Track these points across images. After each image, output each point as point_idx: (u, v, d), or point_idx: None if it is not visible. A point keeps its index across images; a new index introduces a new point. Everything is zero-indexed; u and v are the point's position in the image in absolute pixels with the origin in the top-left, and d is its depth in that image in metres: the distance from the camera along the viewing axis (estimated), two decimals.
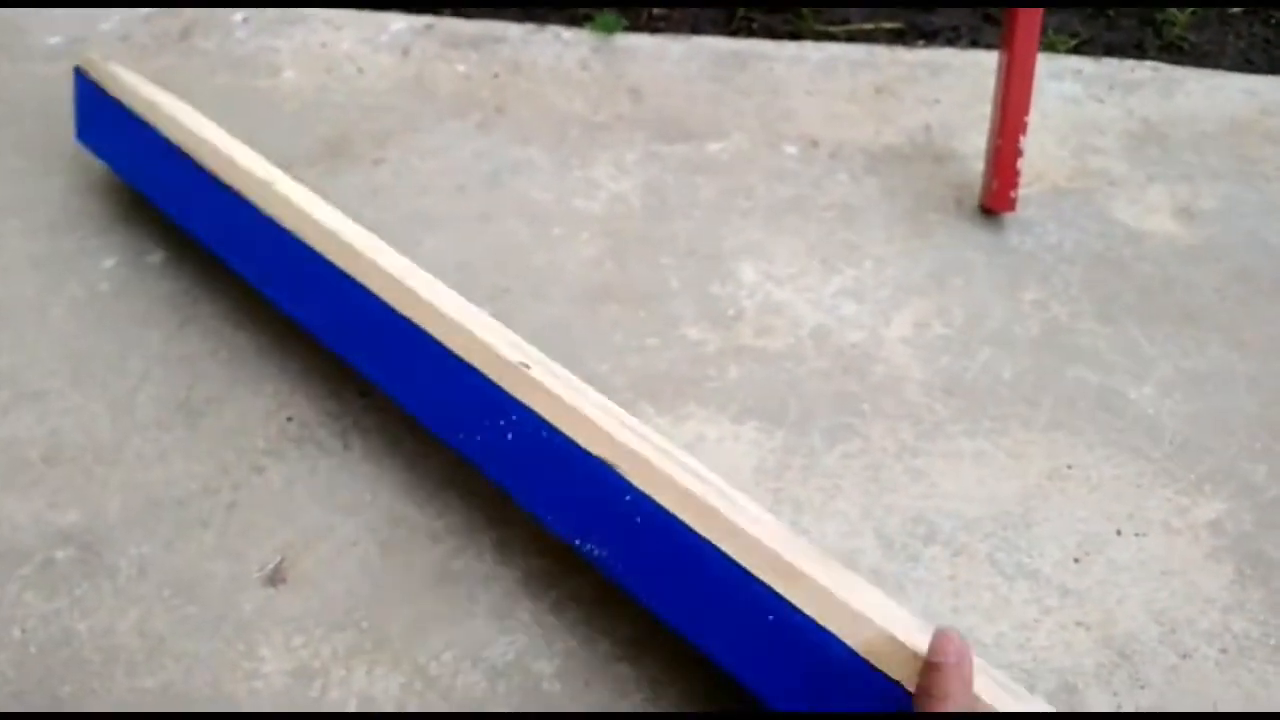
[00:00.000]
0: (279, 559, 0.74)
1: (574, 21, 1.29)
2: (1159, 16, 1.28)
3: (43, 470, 0.79)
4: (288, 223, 0.81)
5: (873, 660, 0.53)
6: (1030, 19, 0.93)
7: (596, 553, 0.64)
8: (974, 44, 1.26)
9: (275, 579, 0.73)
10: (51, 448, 0.81)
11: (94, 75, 0.97)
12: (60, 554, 0.75)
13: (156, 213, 0.94)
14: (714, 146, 1.08)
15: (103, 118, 0.96)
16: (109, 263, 0.94)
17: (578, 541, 0.65)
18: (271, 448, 0.81)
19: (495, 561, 0.74)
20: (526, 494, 0.69)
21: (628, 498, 0.63)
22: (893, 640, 0.54)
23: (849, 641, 0.54)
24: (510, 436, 0.69)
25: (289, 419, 0.83)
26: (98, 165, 1.02)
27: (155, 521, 0.76)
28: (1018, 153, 0.94)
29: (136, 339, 0.88)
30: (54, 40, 1.21)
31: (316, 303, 0.80)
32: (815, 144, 1.07)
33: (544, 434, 0.67)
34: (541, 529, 0.70)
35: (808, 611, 0.56)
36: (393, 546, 0.75)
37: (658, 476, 0.63)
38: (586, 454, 0.65)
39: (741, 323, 0.90)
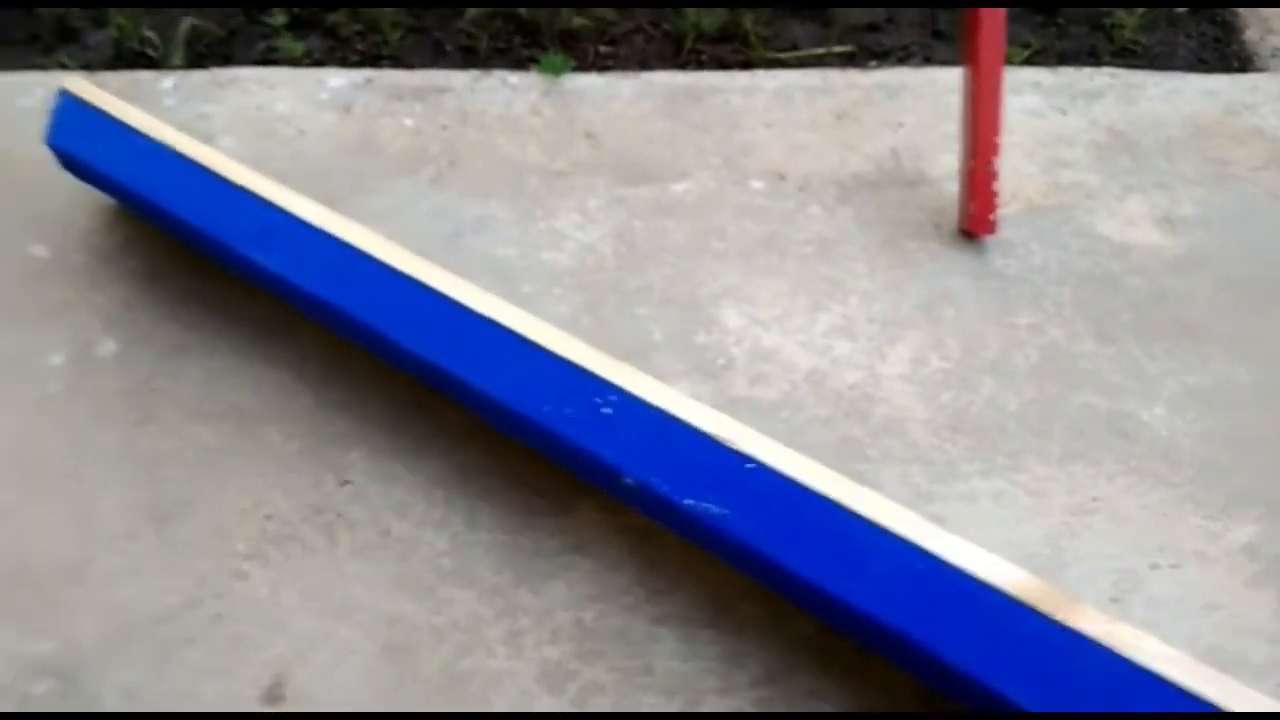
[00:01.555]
0: (275, 675, 0.69)
1: (519, 65, 1.25)
2: (1108, 21, 1.28)
3: (6, 596, 0.73)
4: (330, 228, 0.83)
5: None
6: (994, 36, 0.91)
7: (715, 511, 0.66)
8: (927, 61, 1.25)
9: (273, 697, 0.68)
10: (13, 569, 0.75)
11: (85, 97, 0.95)
12: (38, 688, 0.69)
13: (102, 298, 0.88)
14: (678, 187, 1.05)
15: (91, 131, 0.93)
16: (56, 359, 0.88)
17: (690, 501, 0.66)
18: (252, 550, 0.76)
19: (507, 656, 0.70)
20: (628, 461, 0.69)
21: (749, 465, 0.66)
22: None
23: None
24: (610, 412, 0.70)
25: (267, 517, 0.78)
26: (27, 251, 0.95)
27: (136, 643, 0.71)
28: (993, 174, 0.93)
29: (93, 442, 0.82)
30: None
31: (378, 304, 0.79)
32: (782, 177, 1.05)
33: (650, 412, 0.69)
34: (546, 618, 0.66)
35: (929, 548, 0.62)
36: (394, 650, 0.71)
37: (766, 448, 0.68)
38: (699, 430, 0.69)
39: (733, 372, 0.87)
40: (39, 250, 0.97)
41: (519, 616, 0.72)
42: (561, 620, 0.72)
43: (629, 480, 0.67)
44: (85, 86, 0.95)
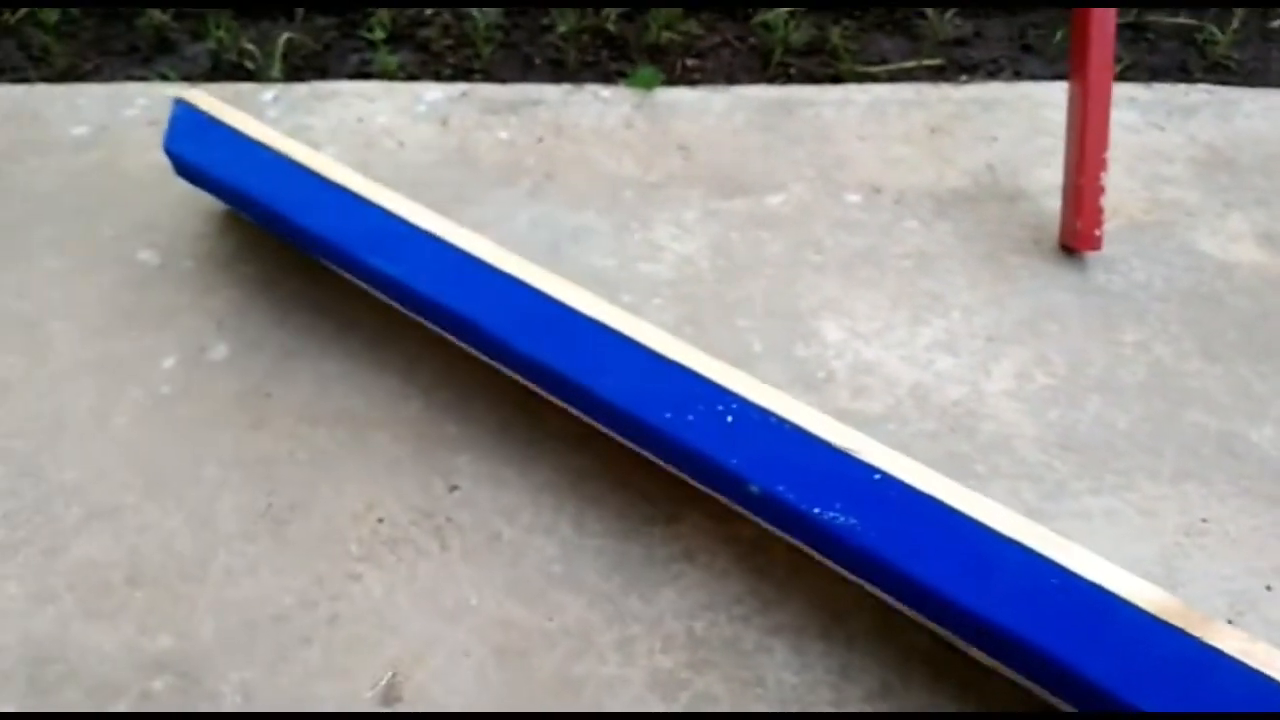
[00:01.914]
0: (390, 675, 0.70)
1: (607, 79, 1.26)
2: (1199, 36, 1.26)
3: (127, 594, 0.75)
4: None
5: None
6: (1104, 48, 0.91)
7: (842, 521, 0.65)
8: (1017, 75, 1.24)
9: (389, 697, 0.69)
10: (133, 568, 0.77)
11: (200, 105, 0.98)
12: (157, 684, 0.70)
13: (213, 303, 0.91)
14: (774, 199, 1.05)
15: (207, 137, 0.96)
16: (168, 363, 0.90)
17: (818, 510, 0.66)
18: (365, 553, 0.77)
19: (619, 664, 0.70)
20: (753, 469, 0.69)
21: (876, 476, 0.66)
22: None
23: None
24: (732, 420, 0.70)
25: (380, 520, 0.79)
26: (139, 259, 0.98)
27: (254, 642, 0.72)
28: (1100, 190, 0.92)
29: (208, 444, 0.84)
30: (79, 130, 1.17)
31: (496, 309, 0.79)
32: (877, 190, 1.05)
33: (771, 420, 0.69)
34: (657, 626, 0.66)
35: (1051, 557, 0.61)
36: (507, 653, 0.71)
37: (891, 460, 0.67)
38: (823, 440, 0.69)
39: (834, 385, 0.87)
40: (148, 256, 1.00)
41: (629, 623, 0.72)
42: (672, 628, 0.72)
43: (754, 488, 0.67)
44: (200, 96, 0.97)
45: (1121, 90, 1.15)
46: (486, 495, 0.80)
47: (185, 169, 0.97)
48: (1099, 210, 0.92)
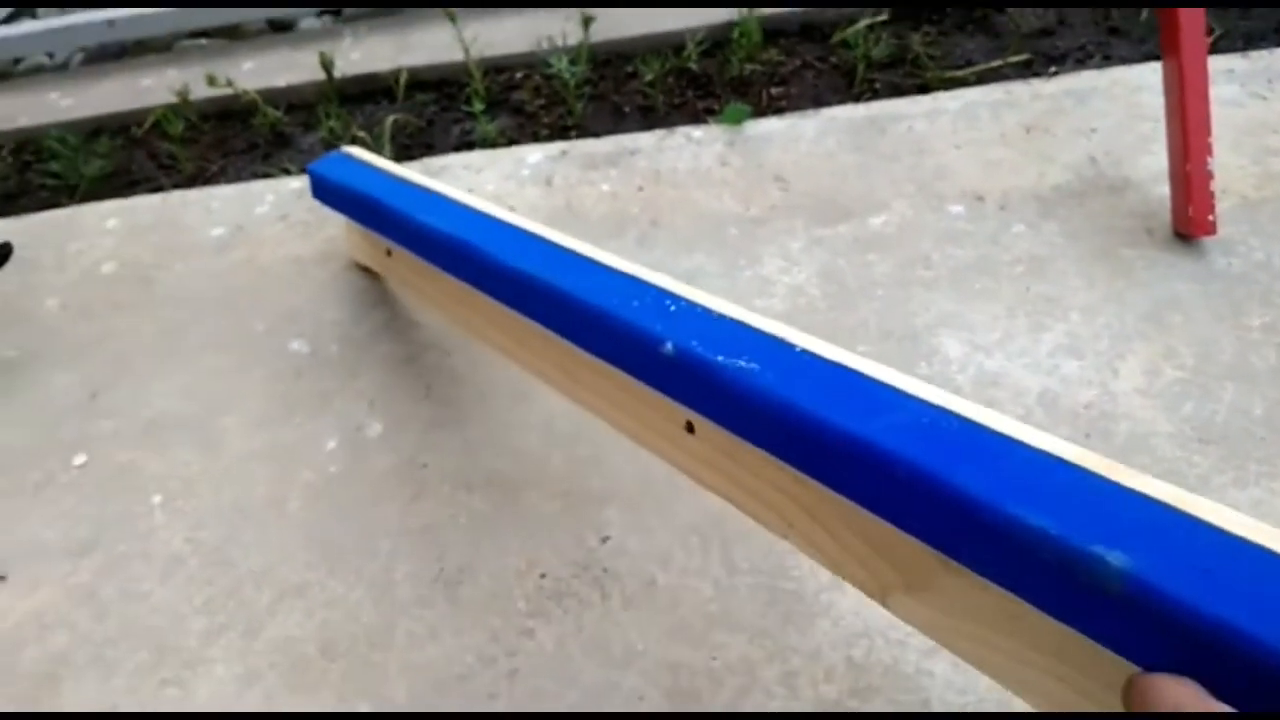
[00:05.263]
0: None
1: (696, 118, 1.30)
2: None
3: (324, 666, 0.82)
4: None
5: None
6: (1196, 31, 0.90)
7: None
8: (1107, 60, 1.24)
9: None
10: (325, 642, 0.83)
11: (359, 156, 1.05)
12: None
13: (362, 384, 0.97)
14: (876, 220, 1.07)
15: (355, 168, 1.02)
16: (330, 445, 0.97)
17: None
18: (533, 608, 0.82)
19: (785, 697, 0.73)
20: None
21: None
22: None
23: None
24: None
25: (542, 576, 0.84)
26: (291, 350, 1.06)
27: (444, 702, 0.78)
28: (1209, 175, 0.92)
29: (376, 518, 0.91)
30: (218, 232, 1.26)
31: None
32: (980, 198, 1.06)
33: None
34: (816, 658, 0.69)
35: None
36: (677, 695, 0.75)
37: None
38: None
39: (962, 400, 0.88)
40: (298, 345, 1.07)
41: (790, 657, 0.75)
42: (832, 659, 0.75)
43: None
44: (356, 149, 1.05)
45: (1217, 63, 1.14)
46: (637, 543, 0.84)
47: (329, 189, 1.04)
48: (1210, 195, 0.92)
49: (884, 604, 0.58)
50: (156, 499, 0.94)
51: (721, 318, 0.66)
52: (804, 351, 0.62)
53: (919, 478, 0.51)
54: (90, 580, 0.89)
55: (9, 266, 1.11)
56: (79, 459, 0.99)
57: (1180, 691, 0.36)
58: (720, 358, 0.62)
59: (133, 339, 1.11)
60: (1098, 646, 0.46)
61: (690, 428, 0.69)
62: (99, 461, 0.98)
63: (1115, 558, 0.43)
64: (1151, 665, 0.43)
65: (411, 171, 0.98)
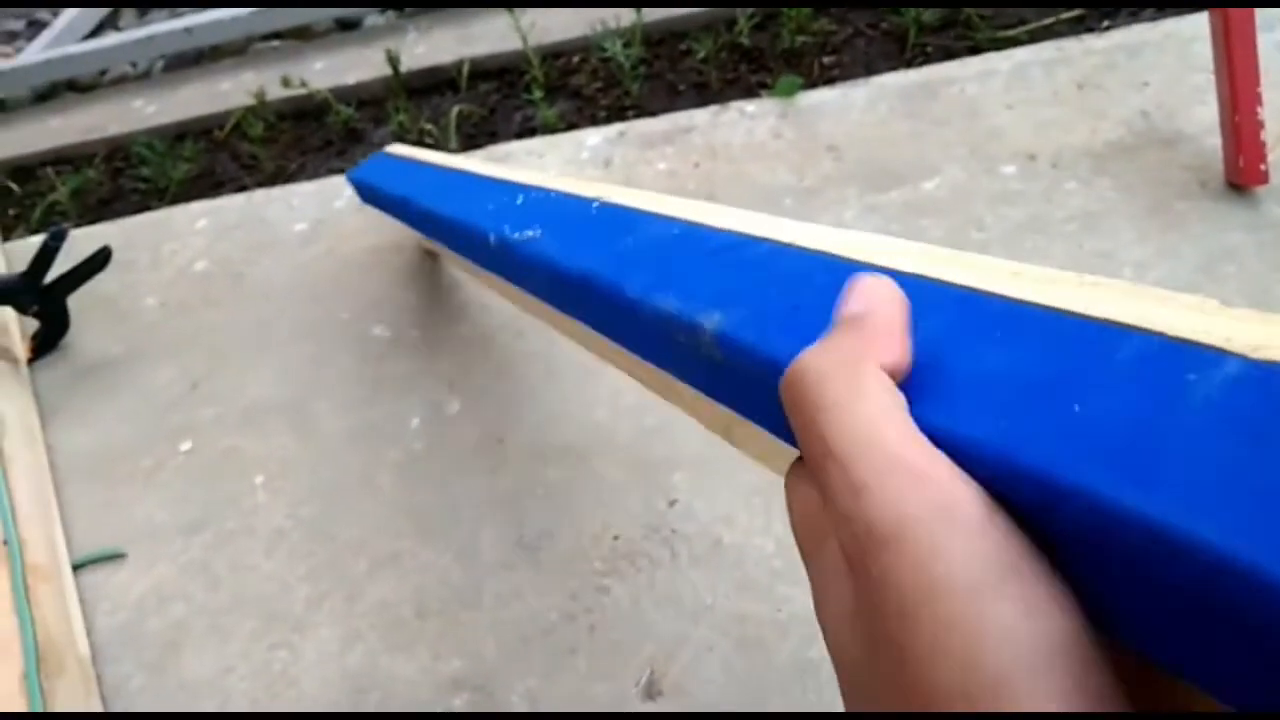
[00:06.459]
0: (649, 672, 0.80)
1: (749, 92, 1.33)
2: None
3: (418, 626, 0.88)
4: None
5: None
6: None
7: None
8: (1160, 10, 1.23)
9: (652, 692, 0.79)
10: (419, 604, 0.90)
11: (398, 154, 1.11)
12: (458, 700, 0.83)
13: (441, 365, 1.03)
14: (929, 185, 1.10)
15: (406, 175, 1.05)
16: (415, 423, 1.04)
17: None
18: (609, 568, 0.87)
19: None
20: None
21: None
22: None
23: None
24: None
25: (615, 538, 0.89)
26: (373, 335, 1.12)
27: (530, 656, 0.84)
28: (1259, 124, 0.92)
29: (460, 489, 0.97)
30: (300, 227, 1.33)
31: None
32: (1032, 158, 1.08)
33: None
34: None
35: None
36: (747, 644, 0.80)
37: None
38: None
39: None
40: (380, 331, 1.14)
41: None
42: None
43: None
44: (398, 147, 1.11)
45: (1265, 14, 1.13)
46: (702, 506, 0.89)
47: (363, 192, 1.09)
48: (1261, 144, 0.92)
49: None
50: (259, 479, 1.02)
51: (562, 198, 0.66)
52: (601, 207, 0.60)
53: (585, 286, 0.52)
54: (202, 556, 0.97)
55: (108, 269, 1.19)
56: (185, 445, 1.07)
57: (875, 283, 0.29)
58: (516, 235, 0.63)
59: (227, 332, 1.19)
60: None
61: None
62: (204, 447, 1.06)
63: (711, 321, 0.38)
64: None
65: (441, 156, 1.03)
